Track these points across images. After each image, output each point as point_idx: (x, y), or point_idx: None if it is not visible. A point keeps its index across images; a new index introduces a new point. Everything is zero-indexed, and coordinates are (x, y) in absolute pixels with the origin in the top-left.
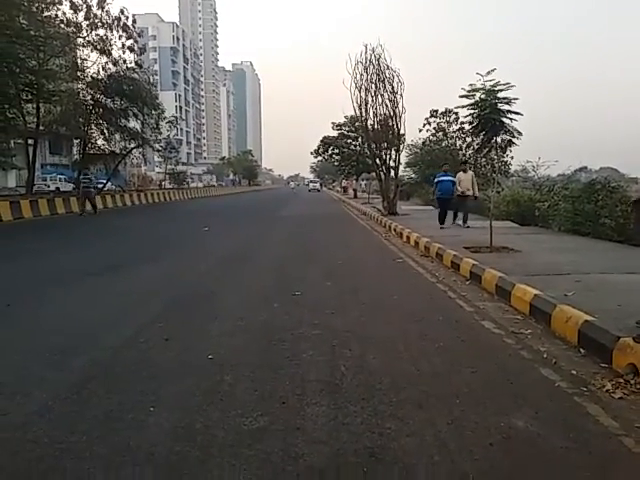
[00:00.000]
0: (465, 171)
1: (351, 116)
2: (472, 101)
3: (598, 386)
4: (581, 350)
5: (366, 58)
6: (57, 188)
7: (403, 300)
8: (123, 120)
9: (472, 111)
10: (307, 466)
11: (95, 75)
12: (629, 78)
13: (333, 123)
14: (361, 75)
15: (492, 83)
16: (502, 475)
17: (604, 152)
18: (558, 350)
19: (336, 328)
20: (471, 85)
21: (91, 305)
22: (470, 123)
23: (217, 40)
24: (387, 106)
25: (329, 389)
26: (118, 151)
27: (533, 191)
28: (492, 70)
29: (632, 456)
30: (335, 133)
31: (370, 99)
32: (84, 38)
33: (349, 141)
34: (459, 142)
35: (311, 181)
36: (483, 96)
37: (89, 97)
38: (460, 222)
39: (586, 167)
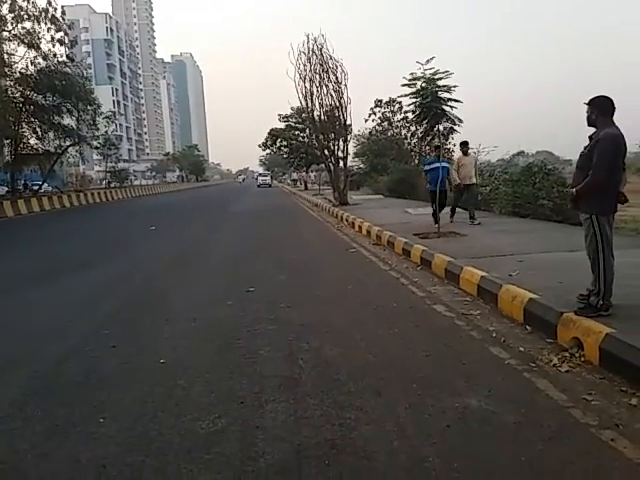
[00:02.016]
0: (466, 153)
1: (297, 107)
2: (414, 90)
3: (545, 361)
4: (527, 327)
5: (309, 48)
6: None
7: (357, 289)
8: (57, 117)
9: (414, 100)
10: (268, 465)
11: (24, 70)
12: (563, 68)
13: (280, 115)
14: (304, 65)
15: (432, 71)
16: (460, 455)
17: (540, 136)
18: (506, 329)
19: (292, 322)
20: (412, 74)
21: (30, 314)
22: (413, 112)
23: (154, 31)
24: (332, 97)
25: (288, 384)
26: (53, 150)
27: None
28: (431, 58)
29: (580, 426)
30: (282, 125)
31: (315, 90)
32: (9, 32)
33: (297, 133)
34: (404, 131)
35: (260, 174)
36: (424, 84)
37: (18, 94)
38: (469, 219)
39: (523, 151)
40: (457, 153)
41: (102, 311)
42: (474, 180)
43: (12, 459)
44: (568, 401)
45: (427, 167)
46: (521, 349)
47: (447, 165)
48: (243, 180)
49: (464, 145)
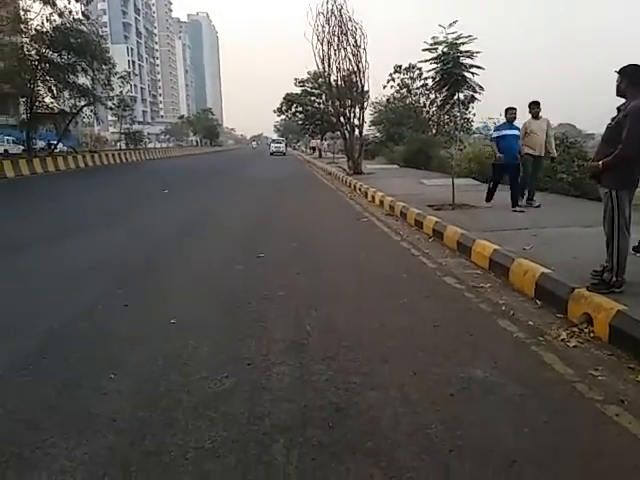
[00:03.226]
0: (536, 116)
1: (314, 72)
2: (434, 55)
3: (554, 335)
4: (538, 302)
5: (327, 8)
6: (5, 150)
7: (368, 259)
8: (72, 76)
9: (435, 65)
10: (273, 424)
11: (39, 28)
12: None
13: (296, 79)
14: (323, 27)
15: (454, 36)
16: (463, 423)
17: (563, 109)
18: (516, 302)
19: (302, 288)
20: (434, 38)
21: (45, 274)
22: (433, 78)
23: None
24: (350, 61)
25: (295, 348)
26: (68, 110)
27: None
28: (454, 22)
29: (585, 401)
30: (298, 90)
31: (333, 53)
32: None
33: (313, 98)
34: (423, 99)
35: (273, 140)
36: (445, 49)
37: (34, 51)
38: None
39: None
40: (476, 123)
41: (115, 272)
42: (549, 152)
43: (24, 411)
44: (574, 376)
45: (495, 134)
46: (530, 323)
47: (518, 132)
48: (255, 147)
49: (534, 106)
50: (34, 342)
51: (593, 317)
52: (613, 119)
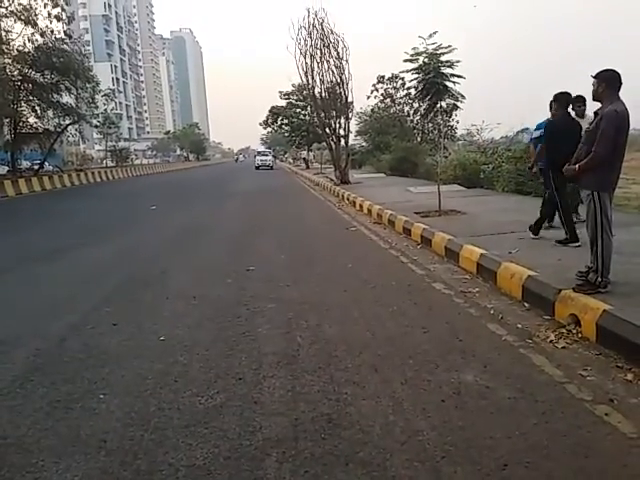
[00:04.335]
0: (581, 115)
1: (298, 84)
2: (416, 65)
3: (542, 337)
4: (525, 304)
5: (309, 22)
6: None
7: (357, 268)
8: (55, 95)
9: (416, 75)
10: (265, 438)
11: (21, 48)
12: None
13: (280, 92)
14: (305, 40)
15: (434, 46)
16: (454, 428)
17: (545, 113)
18: (504, 305)
19: (292, 300)
20: (414, 49)
21: (32, 292)
22: (415, 88)
23: (152, 6)
24: (333, 72)
25: (286, 361)
26: (52, 129)
27: (478, 154)
28: (434, 33)
29: (574, 401)
30: (283, 102)
31: (316, 66)
32: (6, 8)
33: (298, 110)
34: (406, 108)
35: (259, 152)
36: (426, 60)
37: (16, 72)
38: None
39: (527, 128)
40: (460, 131)
41: (103, 290)
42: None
43: (14, 434)
44: (563, 377)
45: (536, 133)
46: (518, 326)
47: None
48: (237, 160)
49: (579, 102)
50: (20, 364)
51: (580, 318)
52: (591, 123)
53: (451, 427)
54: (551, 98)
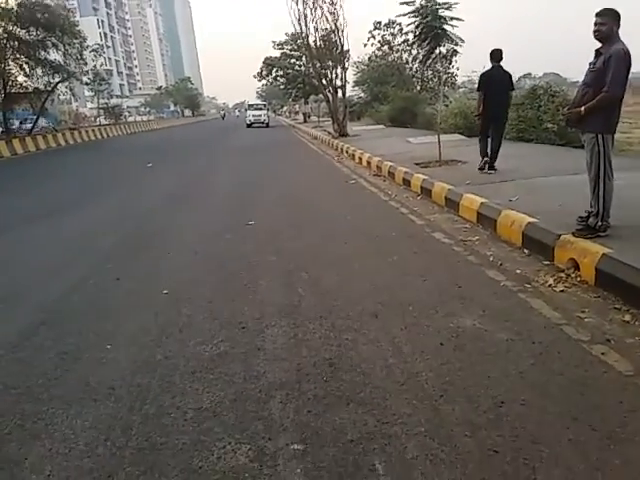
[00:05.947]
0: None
1: (292, 33)
2: (413, 8)
3: (541, 282)
4: (525, 251)
5: None
6: None
7: (357, 220)
8: (42, 52)
9: (414, 19)
10: (269, 382)
11: (3, 4)
12: None
13: (274, 42)
14: None
15: None
16: (452, 369)
17: (549, 58)
18: (503, 253)
19: (292, 253)
20: None
21: (32, 251)
22: (413, 33)
23: None
24: (328, 19)
25: (288, 311)
26: (42, 87)
27: None
28: None
29: (572, 342)
30: (277, 53)
31: (309, 12)
32: None
33: (293, 61)
34: (405, 55)
35: (250, 106)
36: (423, 2)
37: (0, 29)
38: None
39: (530, 73)
40: (461, 78)
41: (104, 247)
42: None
43: (24, 384)
44: (561, 319)
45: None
46: (517, 271)
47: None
48: (224, 117)
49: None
50: (25, 320)
51: (579, 262)
52: (592, 63)
53: (449, 368)
54: (550, 45)
